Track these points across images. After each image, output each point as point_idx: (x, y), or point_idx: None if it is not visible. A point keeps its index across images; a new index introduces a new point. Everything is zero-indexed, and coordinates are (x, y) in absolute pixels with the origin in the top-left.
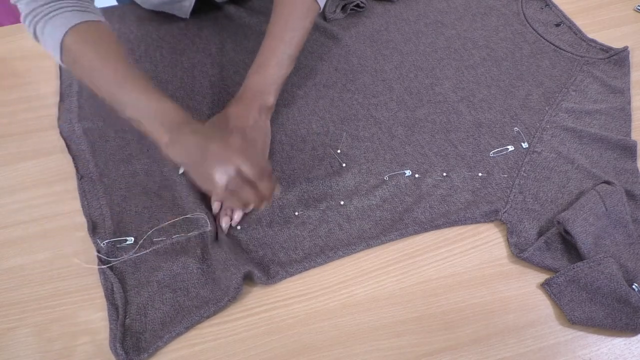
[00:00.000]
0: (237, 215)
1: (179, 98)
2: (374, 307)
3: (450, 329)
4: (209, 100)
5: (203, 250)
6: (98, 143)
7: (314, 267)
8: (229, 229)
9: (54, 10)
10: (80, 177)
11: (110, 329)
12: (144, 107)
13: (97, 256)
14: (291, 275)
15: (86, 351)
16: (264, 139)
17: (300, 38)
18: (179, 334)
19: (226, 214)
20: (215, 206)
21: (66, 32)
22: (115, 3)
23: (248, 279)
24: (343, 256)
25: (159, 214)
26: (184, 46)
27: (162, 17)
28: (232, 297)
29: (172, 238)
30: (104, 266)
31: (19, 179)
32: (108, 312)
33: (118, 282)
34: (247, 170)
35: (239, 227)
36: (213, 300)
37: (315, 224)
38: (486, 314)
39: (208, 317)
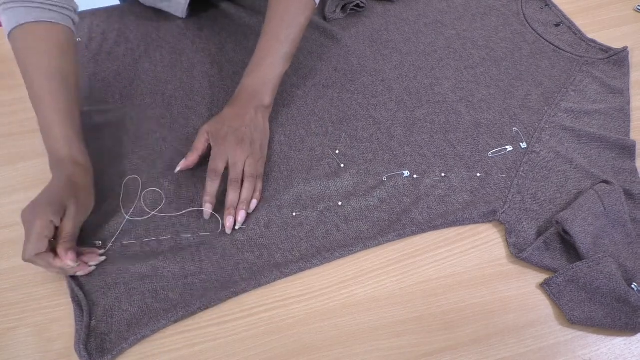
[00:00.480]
0: (241, 217)
1: (178, 98)
2: (374, 307)
3: (450, 329)
4: (208, 100)
5: (175, 253)
6: (90, 141)
7: (310, 268)
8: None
9: (15, 1)
10: None
11: (76, 330)
12: (42, 129)
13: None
14: (286, 276)
15: None
16: (262, 138)
17: (296, 35)
18: (144, 337)
19: (230, 214)
20: (207, 207)
21: (14, 28)
22: (117, 2)
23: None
24: (340, 257)
25: (134, 217)
26: (183, 46)
27: (163, 16)
28: (205, 304)
29: (143, 241)
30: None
31: (19, 179)
32: (74, 314)
33: (77, 286)
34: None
35: (244, 226)
36: (182, 304)
37: (312, 225)
38: (486, 314)
39: (176, 321)
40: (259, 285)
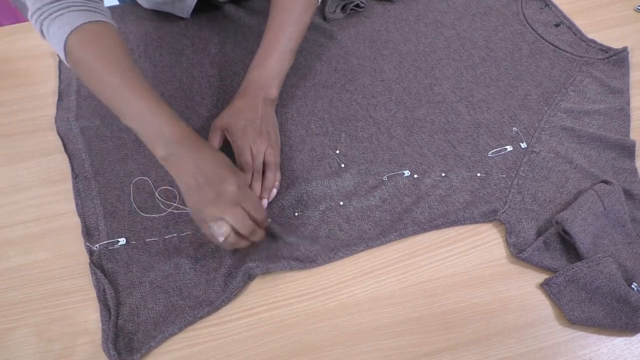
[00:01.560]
0: (264, 205)
1: (178, 98)
2: (374, 307)
3: (450, 329)
4: (208, 101)
5: (196, 250)
6: (94, 142)
7: (314, 267)
8: None
9: (61, 9)
10: (75, 176)
11: (103, 329)
12: (142, 118)
13: (90, 262)
14: (293, 269)
15: (86, 351)
16: (275, 129)
17: (300, 32)
18: (172, 334)
19: None
20: None
21: (70, 33)
22: (117, 2)
23: (249, 279)
24: (343, 257)
25: (154, 214)
26: (183, 46)
27: (163, 17)
28: (227, 298)
29: (165, 238)
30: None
31: (19, 179)
32: (100, 313)
33: (109, 283)
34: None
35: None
36: (206, 300)
37: (315, 225)
38: (486, 314)
39: (201, 317)
40: (266, 269)
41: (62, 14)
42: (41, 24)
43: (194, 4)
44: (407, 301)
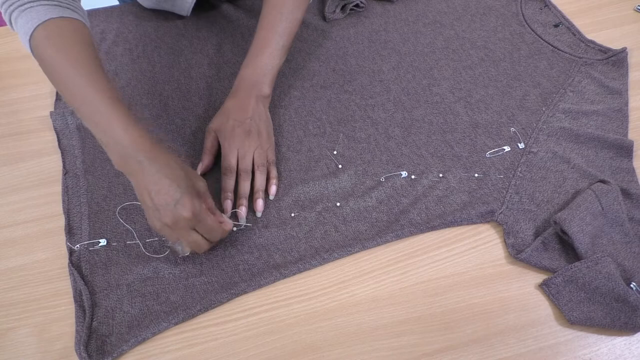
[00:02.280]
0: (260, 205)
1: (175, 99)
2: (374, 307)
3: (450, 329)
4: (205, 101)
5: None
6: (89, 139)
7: (309, 269)
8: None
9: (31, 2)
10: (66, 173)
11: (76, 331)
12: (99, 121)
13: (68, 262)
14: (285, 277)
15: None
16: (267, 127)
17: (292, 29)
18: (145, 339)
19: (242, 204)
20: (226, 204)
21: (36, 27)
22: (116, 3)
23: (234, 296)
24: (339, 258)
25: (136, 217)
26: (182, 46)
27: (162, 17)
28: (204, 307)
29: (146, 241)
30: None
31: (19, 179)
32: (75, 314)
33: (84, 285)
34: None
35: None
36: (183, 306)
37: (311, 226)
38: (486, 314)
39: (177, 323)
40: (258, 286)
41: (31, 7)
42: (10, 15)
43: (194, 1)
44: (407, 301)
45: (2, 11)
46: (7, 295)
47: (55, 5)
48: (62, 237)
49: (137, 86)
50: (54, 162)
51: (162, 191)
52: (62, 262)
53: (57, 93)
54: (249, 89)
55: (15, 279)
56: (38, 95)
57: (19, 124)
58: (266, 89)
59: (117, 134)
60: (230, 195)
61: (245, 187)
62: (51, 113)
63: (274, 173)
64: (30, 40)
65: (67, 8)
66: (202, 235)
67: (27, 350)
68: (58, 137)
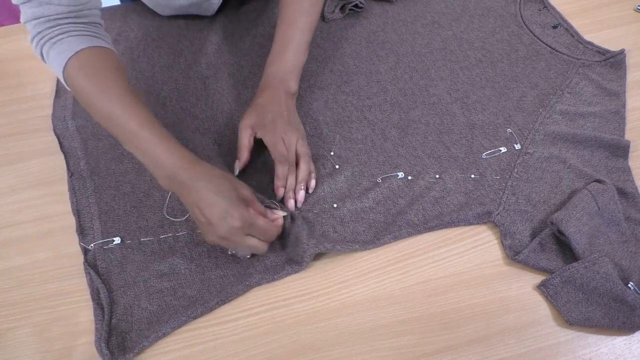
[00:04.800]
0: (301, 196)
1: (173, 99)
2: (374, 307)
3: (450, 329)
4: (202, 102)
5: (191, 250)
6: (90, 141)
7: (306, 269)
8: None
9: (60, 34)
10: (71, 175)
11: (96, 328)
12: (141, 147)
13: (84, 261)
14: (297, 272)
15: (86, 351)
16: (300, 122)
17: (313, 23)
18: (165, 334)
19: (291, 197)
20: (280, 192)
21: (69, 58)
22: (118, 2)
23: (249, 287)
24: (341, 251)
25: (148, 214)
26: (182, 47)
27: (165, 17)
28: (222, 300)
29: (160, 237)
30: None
31: (19, 179)
32: (94, 312)
33: (102, 283)
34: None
35: (301, 207)
36: (200, 300)
37: (308, 227)
38: (486, 314)
39: (195, 317)
40: (272, 279)
41: (61, 39)
42: (41, 48)
43: (220, 1)
44: (407, 301)
45: (33, 45)
46: (7, 295)
47: (84, 35)
48: (61, 237)
49: (135, 86)
50: (54, 162)
51: (210, 206)
52: (62, 262)
53: (56, 92)
54: (277, 86)
55: (15, 279)
56: (38, 95)
57: (19, 124)
58: (293, 86)
59: (157, 157)
60: (284, 183)
61: (292, 179)
62: (51, 116)
63: (312, 167)
64: (64, 72)
65: (95, 37)
66: (258, 238)
67: (27, 350)
68: (59, 140)
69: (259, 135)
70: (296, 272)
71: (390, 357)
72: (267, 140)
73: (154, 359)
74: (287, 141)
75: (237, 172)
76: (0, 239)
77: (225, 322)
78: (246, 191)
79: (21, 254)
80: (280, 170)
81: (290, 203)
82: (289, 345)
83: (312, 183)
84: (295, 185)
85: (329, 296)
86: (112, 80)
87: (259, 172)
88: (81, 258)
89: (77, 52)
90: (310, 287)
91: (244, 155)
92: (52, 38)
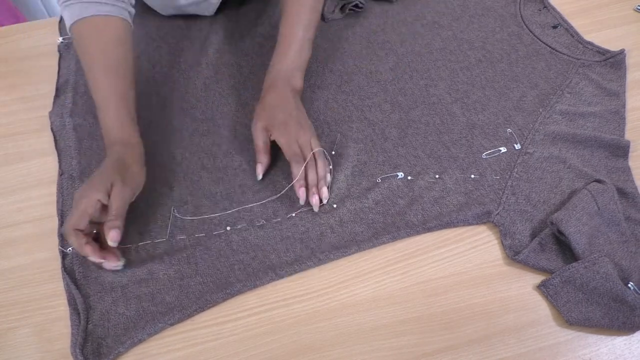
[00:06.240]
0: (325, 193)
1: (172, 100)
2: (374, 307)
3: (450, 329)
4: (202, 103)
5: (170, 255)
6: (85, 140)
7: (305, 270)
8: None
9: None
10: (61, 173)
11: (72, 334)
12: (105, 115)
13: (61, 266)
14: (281, 277)
15: None
16: (307, 119)
17: (315, 21)
18: (140, 340)
19: (315, 193)
20: (302, 192)
21: (73, 24)
22: None
23: (229, 296)
24: (334, 259)
25: (127, 220)
26: (182, 46)
27: (165, 16)
28: (200, 307)
29: (138, 245)
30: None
31: (19, 179)
32: (70, 318)
33: (77, 289)
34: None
35: (327, 203)
36: (179, 307)
37: (307, 227)
38: (486, 314)
39: (172, 324)
40: (254, 286)
41: (70, 4)
42: (62, 10)
43: (219, 1)
44: (407, 301)
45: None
46: (7, 295)
47: (93, 2)
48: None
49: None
50: (54, 162)
51: (88, 180)
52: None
53: (56, 90)
54: (284, 84)
55: (15, 279)
56: (38, 95)
57: (19, 124)
58: (299, 82)
59: (114, 130)
60: (303, 182)
61: (314, 176)
62: (50, 114)
63: (329, 162)
64: (70, 34)
65: (105, 4)
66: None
67: (27, 350)
68: (55, 138)
69: (272, 137)
70: (280, 277)
71: (390, 357)
72: (282, 142)
73: (154, 359)
74: (301, 142)
75: (260, 176)
76: (0, 239)
77: (225, 322)
78: (117, 202)
79: (21, 254)
80: (296, 169)
81: (315, 199)
82: (289, 345)
83: (328, 178)
84: (317, 182)
85: (329, 296)
86: (95, 52)
87: (270, 171)
88: (59, 262)
89: (80, 19)
90: (310, 287)
91: (264, 158)
92: (65, 1)
